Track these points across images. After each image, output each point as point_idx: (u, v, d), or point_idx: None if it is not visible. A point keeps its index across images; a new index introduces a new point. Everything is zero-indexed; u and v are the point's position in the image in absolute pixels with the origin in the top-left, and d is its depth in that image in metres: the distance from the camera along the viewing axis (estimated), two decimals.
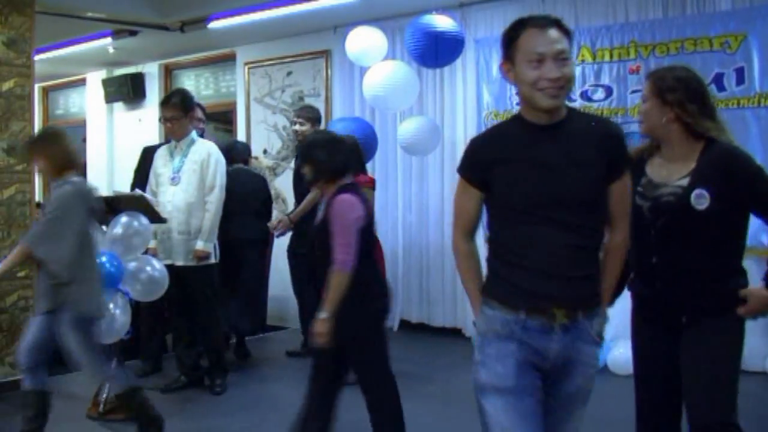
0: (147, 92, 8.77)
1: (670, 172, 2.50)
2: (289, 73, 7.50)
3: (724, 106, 4.86)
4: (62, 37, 7.25)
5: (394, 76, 5.68)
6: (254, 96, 7.78)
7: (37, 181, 5.53)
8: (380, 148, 6.16)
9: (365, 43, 5.84)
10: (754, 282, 2.48)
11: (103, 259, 4.04)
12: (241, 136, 7.75)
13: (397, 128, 5.99)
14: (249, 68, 7.81)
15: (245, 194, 5.55)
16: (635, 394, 2.61)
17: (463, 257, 2.29)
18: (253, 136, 7.72)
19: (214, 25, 6.89)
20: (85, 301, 3.59)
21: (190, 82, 8.63)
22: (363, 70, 6.07)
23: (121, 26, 7.12)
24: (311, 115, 5.60)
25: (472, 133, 6.22)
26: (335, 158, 3.24)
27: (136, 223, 4.25)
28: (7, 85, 5.04)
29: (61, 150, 3.69)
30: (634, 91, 5.35)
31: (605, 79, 5.53)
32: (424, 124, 5.84)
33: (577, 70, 5.39)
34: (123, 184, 6.93)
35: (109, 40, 7.44)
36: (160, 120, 4.98)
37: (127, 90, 8.78)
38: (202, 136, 5.21)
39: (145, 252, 4.54)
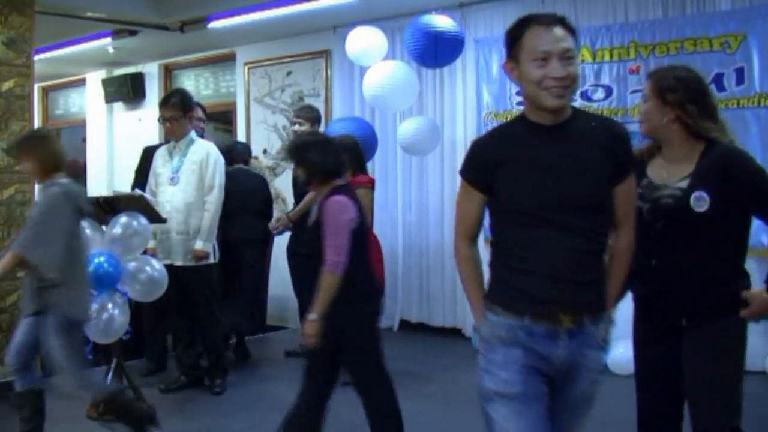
0: (147, 92, 8.77)
1: (671, 174, 2.47)
2: (288, 73, 7.50)
3: (724, 106, 4.86)
4: (62, 37, 7.25)
5: (393, 76, 5.68)
6: (254, 96, 7.78)
7: None
8: (380, 148, 6.16)
9: (365, 43, 5.85)
10: (756, 283, 2.46)
11: (102, 259, 4.04)
12: (240, 136, 7.76)
13: (397, 128, 5.99)
14: (249, 68, 7.81)
15: (245, 194, 5.55)
16: (636, 395, 2.59)
17: (465, 262, 2.25)
18: (253, 136, 7.72)
19: (214, 25, 6.89)
20: (71, 304, 3.55)
21: (189, 82, 8.63)
22: (363, 70, 6.07)
23: (120, 26, 7.13)
24: (311, 115, 5.60)
25: (472, 133, 6.23)
26: (327, 159, 3.25)
27: (135, 223, 4.25)
28: (6, 85, 5.04)
29: (49, 151, 3.65)
30: (634, 91, 5.35)
31: (605, 79, 5.53)
32: (423, 124, 5.85)
33: None
34: (123, 184, 6.94)
35: (108, 40, 7.45)
36: (159, 120, 4.98)
37: (126, 90, 8.78)
38: (202, 136, 5.21)
39: (144, 252, 4.54)
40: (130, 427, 3.74)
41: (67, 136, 10.17)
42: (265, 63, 7.66)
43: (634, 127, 4.92)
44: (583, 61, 5.54)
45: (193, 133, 4.90)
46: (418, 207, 6.64)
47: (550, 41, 2.01)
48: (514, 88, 5.96)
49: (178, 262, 4.72)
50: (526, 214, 2.06)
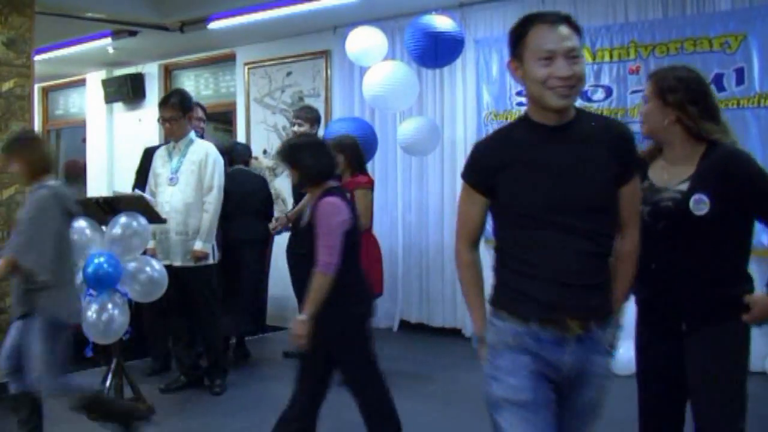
0: (147, 92, 8.76)
1: (671, 176, 2.43)
2: (288, 74, 7.50)
3: (724, 107, 4.85)
4: (62, 37, 7.24)
5: (393, 76, 5.68)
6: (254, 96, 7.78)
7: None
8: (380, 148, 6.16)
9: (365, 43, 5.84)
10: (759, 286, 2.43)
11: (102, 259, 4.04)
12: (240, 137, 7.76)
13: (397, 128, 5.99)
14: (249, 68, 7.81)
15: (245, 194, 5.56)
16: (638, 397, 2.57)
17: (465, 267, 2.20)
18: (253, 136, 7.72)
19: (213, 25, 6.89)
20: (59, 306, 3.52)
21: (189, 82, 8.63)
22: (363, 71, 6.07)
23: (120, 26, 7.12)
24: (310, 116, 5.61)
25: (472, 133, 6.23)
26: (320, 161, 3.26)
27: (135, 224, 4.25)
28: (6, 86, 5.04)
29: (38, 154, 3.63)
30: (633, 92, 5.36)
31: (605, 80, 5.54)
32: (423, 124, 5.84)
33: None
34: (123, 185, 6.94)
35: (108, 40, 7.44)
36: (158, 121, 4.98)
37: (126, 90, 8.77)
38: (202, 136, 5.21)
39: (144, 252, 4.53)
40: (119, 425, 3.69)
41: (67, 137, 10.19)
42: (265, 63, 7.66)
43: (634, 128, 4.89)
44: None
45: (192, 134, 4.90)
46: (418, 207, 6.64)
47: (555, 40, 1.97)
48: (514, 89, 5.97)
49: (177, 263, 4.72)
50: (530, 216, 2.01)
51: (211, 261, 4.82)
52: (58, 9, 6.13)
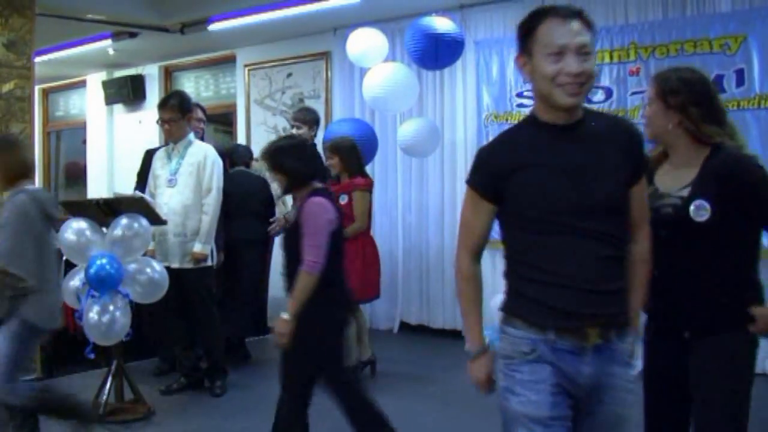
0: (147, 94, 8.77)
1: (674, 181, 2.36)
2: (289, 75, 7.51)
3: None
4: (62, 38, 7.25)
5: (394, 77, 5.69)
6: (254, 98, 7.79)
7: (37, 182, 5.52)
8: (380, 149, 6.16)
9: (366, 44, 5.85)
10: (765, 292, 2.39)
11: (104, 260, 4.04)
12: (241, 138, 7.76)
13: (397, 130, 6.00)
14: (249, 70, 7.81)
15: (245, 196, 5.56)
16: (644, 402, 2.52)
17: (465, 281, 2.09)
18: (253, 137, 7.71)
19: (214, 26, 6.90)
20: (41, 311, 3.50)
21: (190, 83, 8.63)
22: (363, 72, 6.07)
23: (121, 28, 7.13)
24: (308, 118, 5.58)
25: (472, 135, 6.24)
26: (304, 164, 3.26)
27: (136, 225, 4.25)
28: (7, 87, 5.05)
29: (15, 158, 3.60)
30: (633, 93, 5.36)
31: (605, 81, 5.54)
32: (423, 125, 5.85)
33: None
34: (123, 186, 6.93)
35: (109, 41, 7.45)
36: (157, 122, 4.98)
37: (127, 92, 8.78)
38: (202, 138, 5.21)
39: (144, 254, 4.53)
40: (76, 421, 3.61)
41: (68, 138, 10.21)
42: (265, 65, 7.67)
43: None
44: None
45: (191, 135, 4.89)
46: (418, 208, 6.64)
47: (567, 34, 1.89)
48: (514, 90, 5.97)
49: (175, 265, 4.71)
50: (545, 220, 1.92)
51: (209, 263, 4.82)
52: (58, 10, 6.14)
